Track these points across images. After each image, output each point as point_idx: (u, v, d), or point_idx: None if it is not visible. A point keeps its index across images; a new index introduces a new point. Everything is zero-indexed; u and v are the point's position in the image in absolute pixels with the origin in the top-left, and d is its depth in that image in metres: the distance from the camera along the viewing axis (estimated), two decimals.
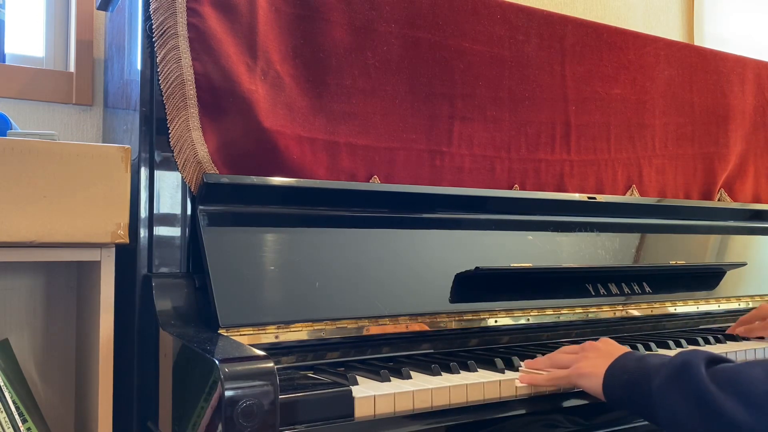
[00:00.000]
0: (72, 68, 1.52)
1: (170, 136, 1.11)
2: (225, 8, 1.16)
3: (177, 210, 1.12)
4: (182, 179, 1.12)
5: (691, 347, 1.22)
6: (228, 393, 0.75)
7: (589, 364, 0.95)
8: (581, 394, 1.05)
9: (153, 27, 1.11)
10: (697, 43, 2.45)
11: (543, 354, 1.08)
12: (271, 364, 0.79)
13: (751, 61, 1.91)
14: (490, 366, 1.04)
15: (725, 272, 1.59)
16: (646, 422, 1.12)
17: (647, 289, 1.45)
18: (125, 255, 1.11)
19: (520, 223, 1.38)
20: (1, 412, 1.02)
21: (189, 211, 1.13)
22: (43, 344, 1.34)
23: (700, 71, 1.80)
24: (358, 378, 0.93)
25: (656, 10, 2.44)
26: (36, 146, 0.98)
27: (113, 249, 1.06)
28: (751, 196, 1.90)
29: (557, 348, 1.15)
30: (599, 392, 0.93)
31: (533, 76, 1.51)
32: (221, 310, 1.02)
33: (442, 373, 0.98)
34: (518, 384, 0.97)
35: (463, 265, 1.23)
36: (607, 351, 0.96)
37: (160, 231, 1.10)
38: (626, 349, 0.98)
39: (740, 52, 1.98)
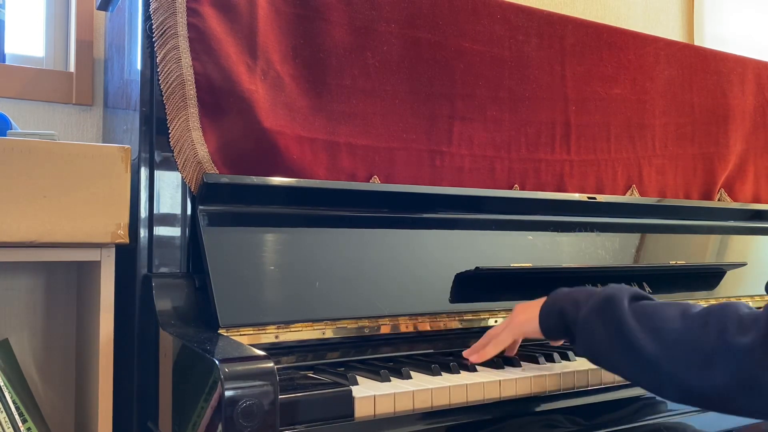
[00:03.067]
0: (72, 68, 1.52)
1: (170, 136, 1.11)
2: (225, 8, 1.16)
3: (177, 210, 1.12)
4: (182, 179, 1.12)
5: None
6: (228, 393, 0.75)
7: (523, 315, 1.04)
8: (581, 393, 1.06)
9: (153, 27, 1.11)
10: (697, 43, 2.45)
11: (545, 354, 1.09)
12: (271, 364, 0.79)
13: (751, 61, 1.91)
14: (491, 366, 1.04)
15: (725, 272, 1.59)
16: (646, 422, 1.13)
17: (647, 289, 1.44)
18: (125, 255, 1.11)
19: (520, 223, 1.38)
20: (1, 412, 1.02)
21: (189, 211, 1.13)
22: (43, 344, 1.34)
23: (700, 71, 1.80)
24: (358, 378, 0.93)
25: (656, 10, 2.44)
26: (36, 146, 0.98)
27: (113, 249, 1.06)
28: (751, 196, 1.90)
29: (558, 347, 1.15)
30: (537, 329, 1.01)
31: (533, 76, 1.51)
32: (221, 310, 1.02)
33: (442, 373, 0.98)
34: (471, 363, 1.04)
35: (464, 265, 1.23)
36: (534, 302, 1.04)
37: (160, 231, 1.10)
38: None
39: (740, 52, 1.98)
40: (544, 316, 1.01)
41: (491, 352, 1.05)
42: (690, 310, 0.86)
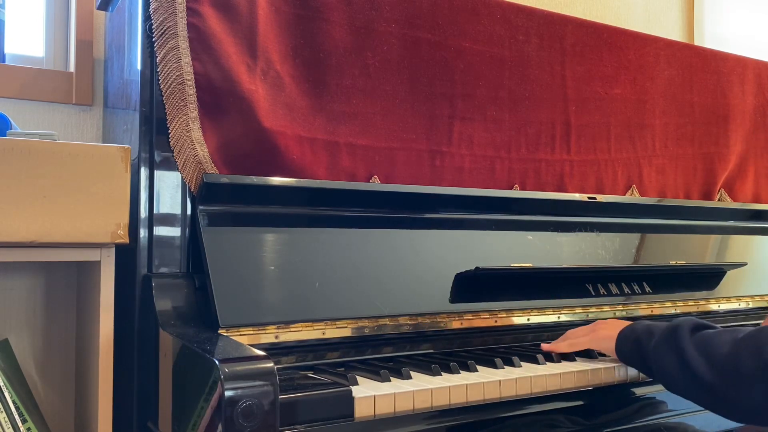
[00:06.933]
0: (72, 68, 1.52)
1: (170, 136, 1.11)
2: (225, 8, 1.16)
3: (177, 210, 1.12)
4: (182, 179, 1.12)
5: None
6: (228, 393, 0.75)
7: (605, 331, 1.11)
8: (581, 393, 1.05)
9: (153, 27, 1.11)
10: (697, 43, 2.45)
11: (542, 353, 1.09)
12: (271, 364, 0.79)
13: (751, 61, 1.91)
14: (490, 366, 1.04)
15: (725, 272, 1.59)
16: (646, 422, 1.13)
17: (647, 289, 1.44)
18: (125, 255, 1.11)
19: (520, 223, 1.38)
20: (1, 412, 1.02)
21: (189, 211, 1.13)
22: (43, 344, 1.34)
23: (700, 71, 1.80)
24: (358, 378, 0.93)
25: (656, 10, 2.44)
26: (36, 146, 0.98)
27: (113, 249, 1.06)
28: (751, 196, 1.90)
29: None
30: (612, 351, 1.08)
31: (533, 76, 1.51)
32: (221, 310, 1.02)
33: (442, 373, 0.98)
34: (543, 351, 1.12)
35: (464, 265, 1.23)
36: (618, 323, 1.12)
37: (160, 231, 1.10)
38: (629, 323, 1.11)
39: (740, 52, 1.98)
40: (621, 341, 1.07)
41: (564, 349, 1.12)
42: (739, 334, 0.91)
